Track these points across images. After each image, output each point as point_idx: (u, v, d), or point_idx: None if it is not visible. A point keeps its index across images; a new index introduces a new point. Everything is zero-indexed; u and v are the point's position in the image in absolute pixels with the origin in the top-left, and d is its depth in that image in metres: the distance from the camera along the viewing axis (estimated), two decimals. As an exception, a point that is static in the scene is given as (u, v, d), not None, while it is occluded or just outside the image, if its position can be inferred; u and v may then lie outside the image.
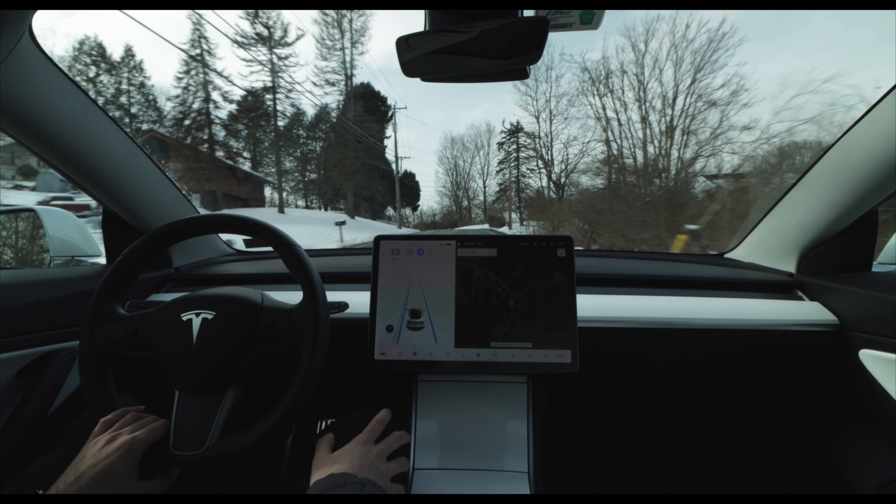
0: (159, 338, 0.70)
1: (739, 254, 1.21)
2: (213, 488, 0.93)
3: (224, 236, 1.38)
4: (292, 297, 0.76)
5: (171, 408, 0.67)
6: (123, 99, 26.06)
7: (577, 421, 1.18)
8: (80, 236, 1.25)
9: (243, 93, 26.77)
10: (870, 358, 0.83)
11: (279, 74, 25.98)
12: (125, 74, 26.14)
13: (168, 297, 1.04)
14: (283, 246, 0.73)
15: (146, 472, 0.63)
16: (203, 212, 1.07)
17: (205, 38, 23.88)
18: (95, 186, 0.95)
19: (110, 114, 0.90)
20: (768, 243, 1.11)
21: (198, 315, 0.69)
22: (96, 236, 1.18)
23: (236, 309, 0.71)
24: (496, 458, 0.83)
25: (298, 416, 0.66)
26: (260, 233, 0.75)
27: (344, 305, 0.86)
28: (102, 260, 1.15)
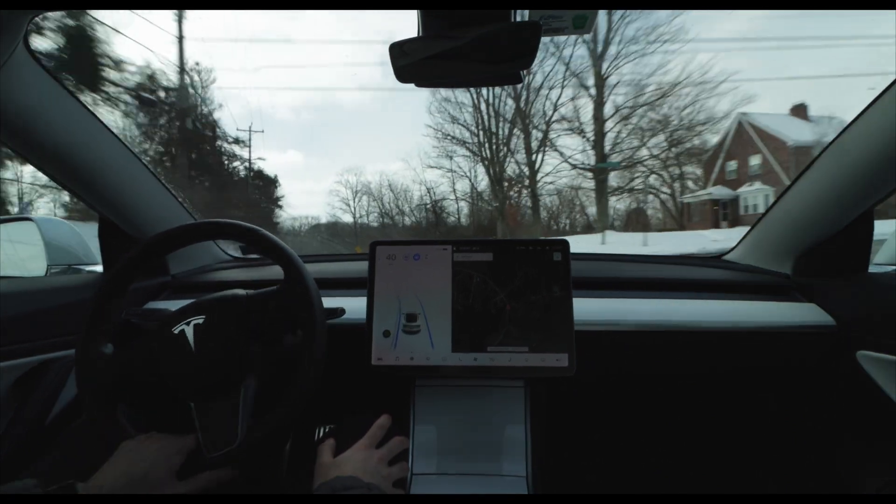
0: (159, 359, 0.70)
1: (737, 255, 1.20)
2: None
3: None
4: None
5: (181, 418, 0.68)
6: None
7: (575, 424, 1.18)
8: (77, 245, 1.25)
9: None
10: (868, 359, 0.83)
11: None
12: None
13: (165, 304, 1.04)
14: (251, 235, 0.75)
15: (185, 475, 0.65)
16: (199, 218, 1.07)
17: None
18: (91, 194, 0.95)
19: (104, 120, 0.90)
20: (765, 245, 1.11)
21: (189, 323, 0.70)
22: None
23: (224, 307, 0.73)
24: (494, 462, 0.83)
25: (318, 386, 0.68)
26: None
27: (341, 311, 0.86)
28: (100, 268, 1.15)
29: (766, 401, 1.10)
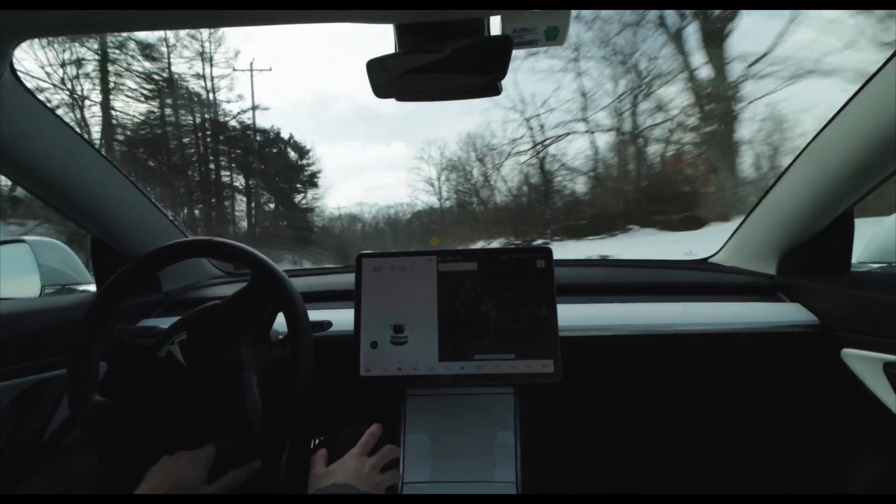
0: (156, 387, 0.71)
1: (722, 258, 1.21)
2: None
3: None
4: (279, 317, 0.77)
5: (193, 431, 0.69)
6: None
7: (565, 430, 1.18)
8: (70, 265, 1.26)
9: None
10: (852, 357, 0.84)
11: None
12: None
13: (157, 321, 1.05)
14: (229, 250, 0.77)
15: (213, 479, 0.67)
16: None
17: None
18: (82, 215, 0.96)
19: (95, 142, 0.91)
20: (749, 246, 1.12)
21: (172, 343, 0.72)
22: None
23: (203, 317, 0.75)
24: (485, 469, 0.83)
25: (308, 394, 0.69)
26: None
27: (328, 324, 0.87)
28: (93, 287, 1.16)
29: (755, 401, 1.10)
